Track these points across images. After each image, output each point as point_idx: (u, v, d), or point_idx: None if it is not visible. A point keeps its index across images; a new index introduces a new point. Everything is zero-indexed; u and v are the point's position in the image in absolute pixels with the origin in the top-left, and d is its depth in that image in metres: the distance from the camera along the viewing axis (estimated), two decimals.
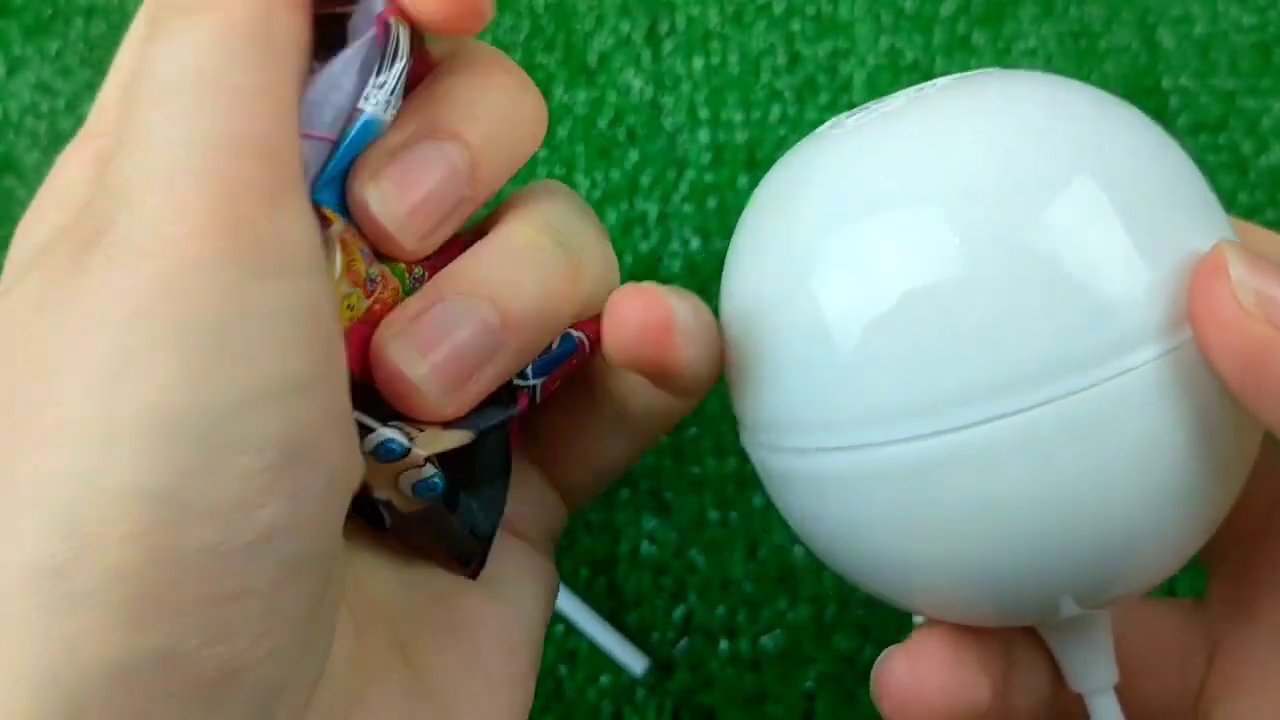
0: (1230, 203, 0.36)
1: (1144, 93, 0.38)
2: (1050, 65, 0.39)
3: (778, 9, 0.40)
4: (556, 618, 0.31)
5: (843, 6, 0.40)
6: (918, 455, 0.15)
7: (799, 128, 0.37)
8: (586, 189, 0.37)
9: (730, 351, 0.18)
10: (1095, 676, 0.18)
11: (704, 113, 0.38)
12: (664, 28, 0.39)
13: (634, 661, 0.30)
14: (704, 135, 0.37)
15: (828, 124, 0.18)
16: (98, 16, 0.39)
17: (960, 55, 0.39)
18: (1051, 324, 0.14)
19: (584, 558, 0.32)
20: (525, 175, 0.37)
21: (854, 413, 0.15)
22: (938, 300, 0.15)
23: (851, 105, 0.38)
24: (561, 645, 0.31)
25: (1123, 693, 0.18)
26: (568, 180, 0.37)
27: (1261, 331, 0.14)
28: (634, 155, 0.37)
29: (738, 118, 0.38)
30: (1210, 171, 0.37)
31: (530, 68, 0.38)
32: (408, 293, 0.18)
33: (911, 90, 0.17)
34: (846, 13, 0.40)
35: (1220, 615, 0.19)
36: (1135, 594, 0.16)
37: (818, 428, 0.16)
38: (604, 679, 0.31)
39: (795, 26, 0.40)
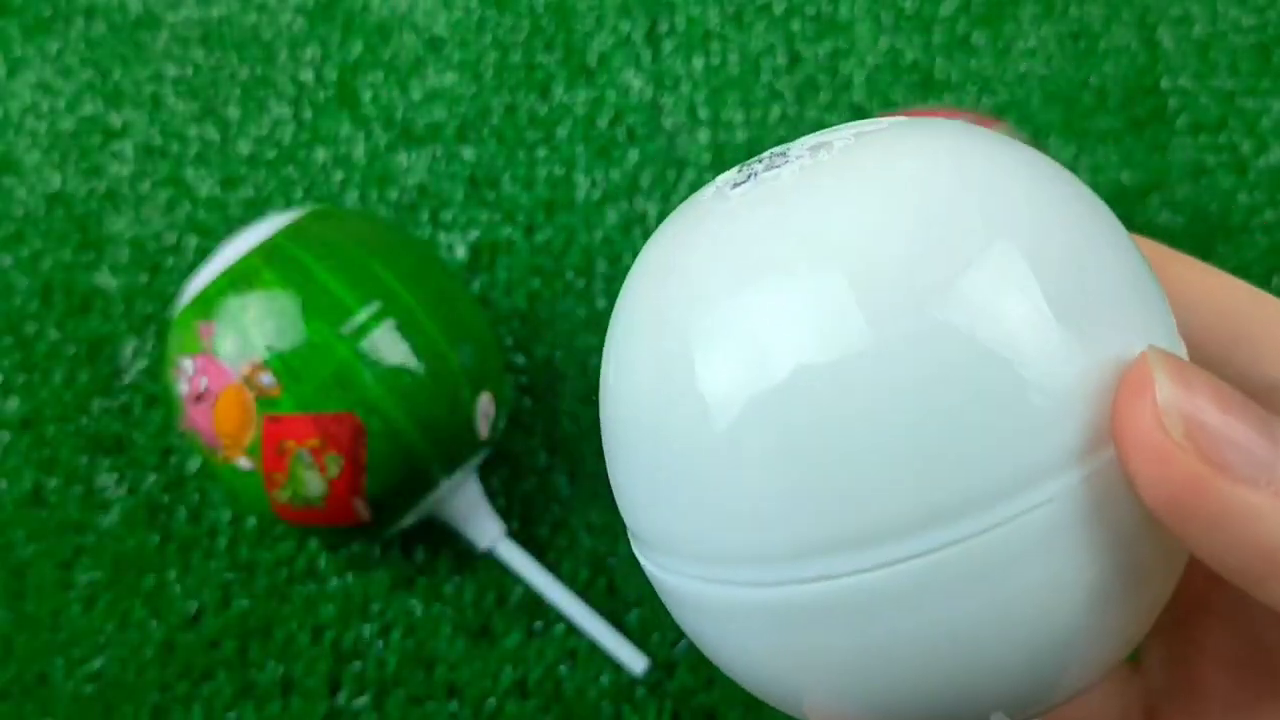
0: (1230, 203, 0.36)
1: (1143, 93, 0.38)
2: (1050, 65, 0.39)
3: (778, 9, 0.40)
4: (556, 618, 0.31)
5: (843, 6, 0.40)
6: (807, 598, 0.13)
7: (799, 128, 0.37)
8: (587, 189, 0.37)
9: (607, 452, 0.16)
10: None
11: (704, 113, 0.38)
12: (664, 28, 0.39)
13: (634, 661, 0.30)
14: (704, 135, 0.37)
15: (710, 188, 0.15)
16: (98, 16, 0.39)
17: (960, 55, 0.39)
18: (954, 452, 0.12)
19: (584, 558, 0.32)
20: (526, 175, 0.37)
21: (732, 549, 0.13)
22: (824, 425, 0.12)
23: (851, 105, 0.38)
24: (561, 645, 0.31)
25: None
26: (567, 180, 0.37)
27: (1192, 467, 0.12)
28: (634, 155, 0.37)
29: (738, 118, 0.38)
30: (1210, 171, 0.37)
31: (530, 67, 0.38)
32: None
33: (806, 146, 0.14)
34: (846, 13, 0.40)
35: (1160, 685, 0.18)
36: (1063, 704, 0.15)
37: (691, 557, 0.14)
38: (604, 679, 0.31)
39: (795, 26, 0.40)
